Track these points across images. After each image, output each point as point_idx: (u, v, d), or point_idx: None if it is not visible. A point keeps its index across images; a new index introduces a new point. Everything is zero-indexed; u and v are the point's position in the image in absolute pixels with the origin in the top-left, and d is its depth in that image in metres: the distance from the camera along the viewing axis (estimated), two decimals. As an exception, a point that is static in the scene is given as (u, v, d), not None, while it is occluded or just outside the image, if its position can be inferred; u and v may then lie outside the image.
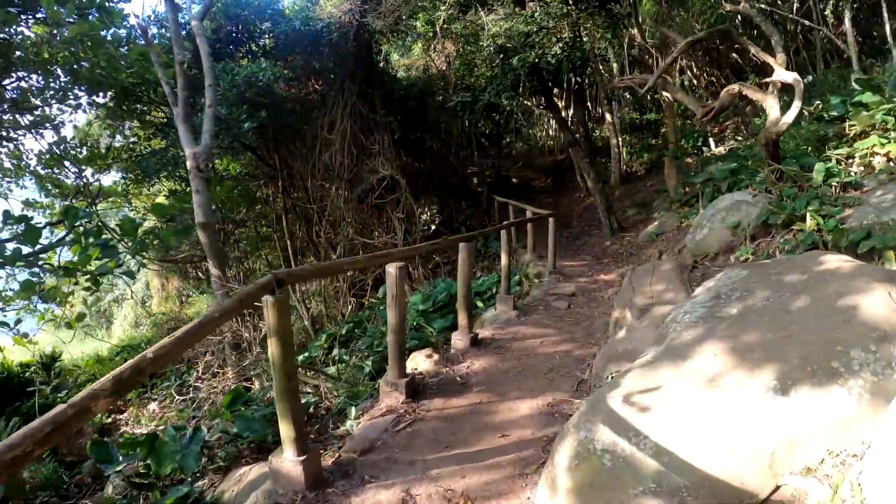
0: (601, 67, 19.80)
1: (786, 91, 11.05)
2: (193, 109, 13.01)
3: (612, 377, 5.67)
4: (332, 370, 9.62)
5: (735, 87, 8.19)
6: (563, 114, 16.09)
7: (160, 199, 19.14)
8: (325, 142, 14.01)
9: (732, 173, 10.20)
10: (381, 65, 16.59)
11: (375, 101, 13.98)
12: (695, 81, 22.00)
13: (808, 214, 7.07)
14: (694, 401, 3.10)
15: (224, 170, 20.52)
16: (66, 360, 17.03)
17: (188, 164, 8.16)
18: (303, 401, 7.10)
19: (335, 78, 14.15)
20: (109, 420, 12.84)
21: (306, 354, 11.84)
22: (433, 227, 18.62)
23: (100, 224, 9.44)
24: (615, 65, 19.98)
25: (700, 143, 16.68)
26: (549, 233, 10.44)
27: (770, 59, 8.21)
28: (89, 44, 11.14)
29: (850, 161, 8.71)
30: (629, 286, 7.78)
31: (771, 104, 8.12)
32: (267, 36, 16.20)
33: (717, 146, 18.52)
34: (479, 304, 9.87)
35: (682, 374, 3.33)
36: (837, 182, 7.89)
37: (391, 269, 4.90)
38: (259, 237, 20.07)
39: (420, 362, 6.04)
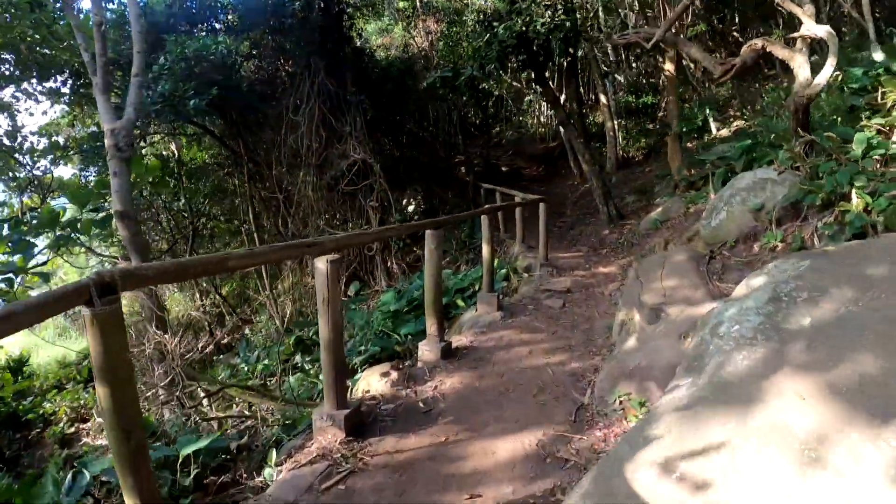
0: (595, 48, 18.49)
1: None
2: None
3: (620, 401, 4.38)
4: (293, 381, 8.33)
5: (758, 43, 6.89)
6: (555, 92, 14.69)
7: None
8: (291, 124, 12.64)
9: (748, 151, 8.91)
10: (356, 41, 15.22)
11: (346, 78, 12.62)
12: (692, 66, 20.74)
13: (853, 192, 5.79)
14: (781, 488, 1.79)
15: (191, 159, 19.17)
16: (34, 364, 15.85)
17: (106, 141, 6.79)
18: (235, 430, 5.79)
19: (301, 54, 12.77)
20: (72, 430, 11.60)
21: (266, 362, 10.53)
22: (416, 217, 17.34)
23: (15, 216, 8.10)
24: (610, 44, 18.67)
25: (704, 123, 15.36)
26: (540, 220, 9.14)
27: (797, 10, 6.91)
28: (13, 11, 9.78)
29: (891, 132, 7.44)
30: (636, 281, 6.49)
31: (800, 63, 6.82)
32: (230, 11, 14.81)
33: (718, 129, 17.29)
34: (460, 302, 8.57)
35: (750, 434, 2.02)
36: (881, 155, 6.61)
37: (320, 263, 3.58)
38: (229, 231, 18.73)
39: (373, 382, 4.73)
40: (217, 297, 19.79)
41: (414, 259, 13.06)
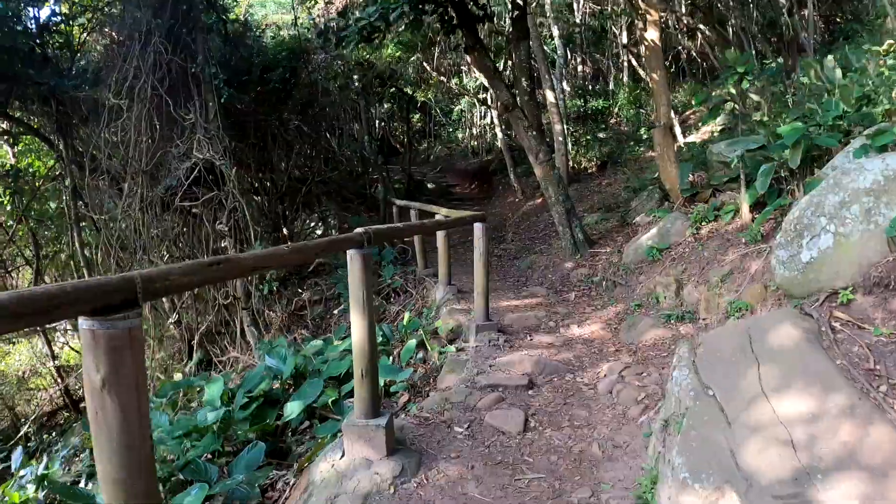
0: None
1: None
2: None
3: None
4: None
5: None
6: (495, 62, 10.88)
7: None
8: (117, 112, 8.62)
9: (803, 138, 5.52)
10: (232, 7, 11.29)
11: (196, 47, 8.70)
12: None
13: None
14: None
15: (26, 167, 14.79)
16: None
17: None
18: None
19: (130, 13, 8.81)
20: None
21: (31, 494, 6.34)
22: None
23: None
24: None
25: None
26: (476, 251, 5.40)
27: None
28: None
29: None
30: (704, 397, 2.81)
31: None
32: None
33: (684, 136, 14.33)
34: (332, 396, 4.76)
35: None
36: None
37: None
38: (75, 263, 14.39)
39: None
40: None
41: (298, 306, 9.14)
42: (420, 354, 5.59)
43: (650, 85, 8.84)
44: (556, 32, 15.83)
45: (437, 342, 5.60)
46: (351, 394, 4.86)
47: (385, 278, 8.44)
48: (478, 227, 5.33)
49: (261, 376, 5.30)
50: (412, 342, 5.30)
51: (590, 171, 15.38)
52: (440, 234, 6.61)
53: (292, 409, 4.74)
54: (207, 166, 8.06)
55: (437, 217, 6.95)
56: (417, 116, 29.13)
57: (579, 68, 20.18)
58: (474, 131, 24.85)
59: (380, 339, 5.88)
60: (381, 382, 4.67)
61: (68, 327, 14.11)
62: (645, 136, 15.43)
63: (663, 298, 5.77)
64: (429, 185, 19.50)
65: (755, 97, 6.28)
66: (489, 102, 18.60)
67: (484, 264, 5.34)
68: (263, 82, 11.36)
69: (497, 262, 9.85)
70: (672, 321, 5.24)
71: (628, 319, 5.61)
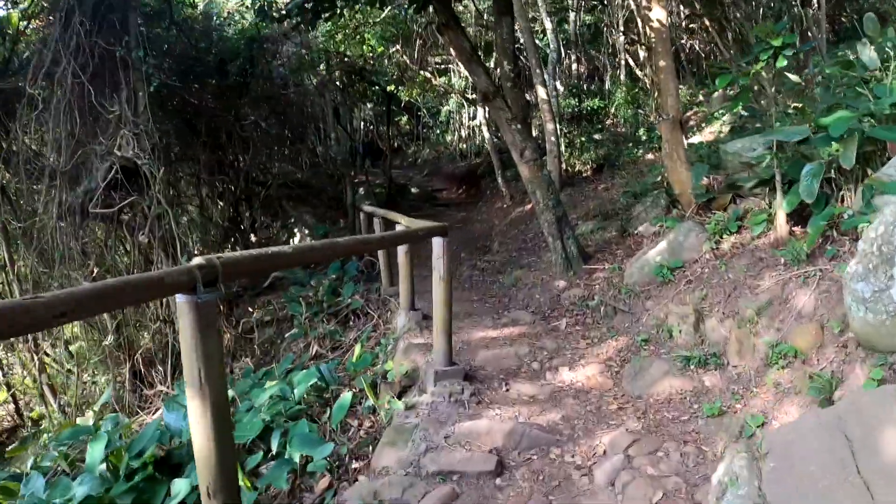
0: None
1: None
2: None
3: None
4: None
5: None
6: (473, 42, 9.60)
7: None
8: (34, 103, 7.38)
9: (854, 132, 4.33)
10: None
11: (128, 28, 7.47)
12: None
13: None
14: None
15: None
16: None
17: None
18: None
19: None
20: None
21: None
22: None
23: None
24: None
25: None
26: (435, 274, 4.14)
27: None
28: None
29: None
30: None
31: None
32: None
33: (686, 138, 13.16)
34: (246, 484, 3.48)
35: None
36: None
37: None
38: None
39: None
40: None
41: (247, 328, 7.87)
42: (369, 402, 4.36)
43: (656, 74, 7.66)
44: (549, 26, 14.64)
45: (384, 386, 4.36)
46: (257, 468, 3.63)
47: (344, 298, 7.18)
48: (437, 244, 4.09)
49: (153, 435, 4.06)
50: (347, 397, 4.03)
51: (584, 174, 14.18)
52: (401, 249, 5.38)
53: (180, 488, 3.52)
54: (131, 166, 6.82)
55: (398, 226, 5.71)
56: (405, 119, 27.99)
57: (574, 66, 19.03)
58: (463, 133, 23.64)
59: (318, 382, 4.65)
60: (297, 458, 3.44)
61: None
62: (644, 138, 14.31)
63: (678, 333, 4.54)
64: (413, 190, 18.28)
65: (794, 78, 5.11)
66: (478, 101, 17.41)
67: (445, 292, 4.09)
68: (222, 75, 10.16)
69: (479, 277, 8.63)
70: (692, 366, 4.01)
71: (634, 361, 4.37)
